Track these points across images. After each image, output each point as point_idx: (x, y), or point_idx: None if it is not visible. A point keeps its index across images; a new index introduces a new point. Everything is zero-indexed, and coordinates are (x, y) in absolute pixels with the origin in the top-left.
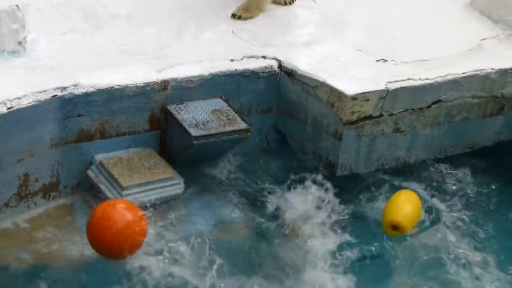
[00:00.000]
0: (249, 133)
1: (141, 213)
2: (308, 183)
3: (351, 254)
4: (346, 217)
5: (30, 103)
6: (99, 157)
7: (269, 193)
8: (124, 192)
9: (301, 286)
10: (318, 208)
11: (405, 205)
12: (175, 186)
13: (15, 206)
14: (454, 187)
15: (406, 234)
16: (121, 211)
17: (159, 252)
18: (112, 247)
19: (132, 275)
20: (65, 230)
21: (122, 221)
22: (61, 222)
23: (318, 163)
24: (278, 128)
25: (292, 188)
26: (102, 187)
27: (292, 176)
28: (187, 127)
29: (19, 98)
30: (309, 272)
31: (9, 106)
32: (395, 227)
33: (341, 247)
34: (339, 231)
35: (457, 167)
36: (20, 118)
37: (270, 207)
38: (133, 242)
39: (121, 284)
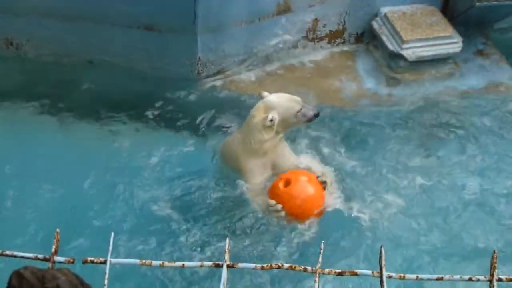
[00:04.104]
0: None
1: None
2: None
3: None
4: None
5: None
6: (385, 10)
7: None
8: (404, 45)
9: None
10: None
11: None
12: (454, 44)
13: (303, 48)
14: None
15: None
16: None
17: None
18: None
19: None
20: (346, 72)
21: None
22: (343, 65)
23: None
24: None
25: None
26: (384, 38)
27: None
28: None
29: None
30: None
31: None
32: None
33: None
34: None
35: None
36: None
37: None
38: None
39: None
